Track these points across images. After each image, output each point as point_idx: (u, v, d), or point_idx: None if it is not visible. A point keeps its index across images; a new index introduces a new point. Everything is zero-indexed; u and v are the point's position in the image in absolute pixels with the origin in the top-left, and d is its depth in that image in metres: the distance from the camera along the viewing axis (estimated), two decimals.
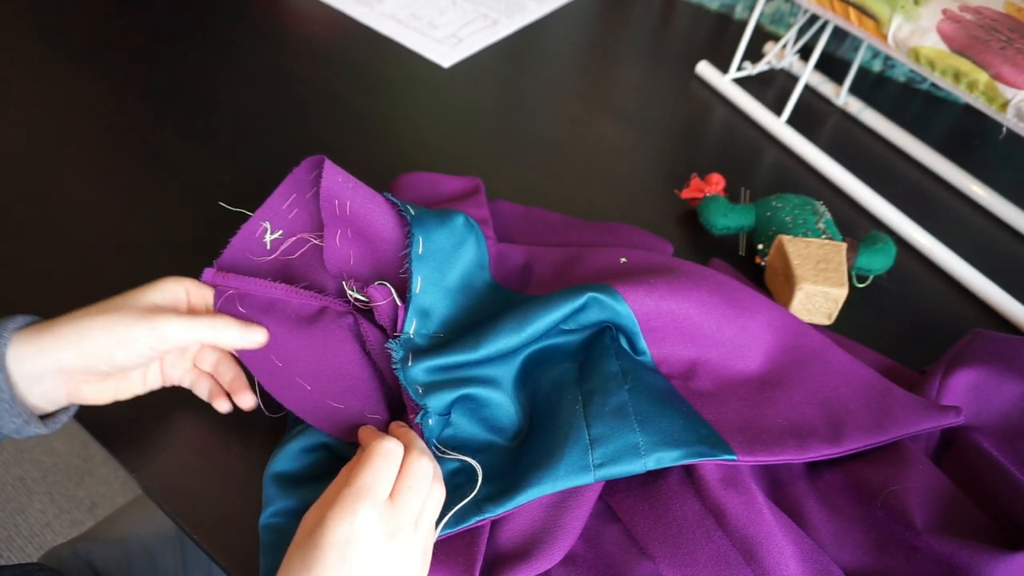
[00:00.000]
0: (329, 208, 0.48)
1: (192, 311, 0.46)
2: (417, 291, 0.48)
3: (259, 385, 0.47)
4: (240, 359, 0.47)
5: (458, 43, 0.87)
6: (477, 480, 0.43)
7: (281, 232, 0.50)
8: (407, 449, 0.41)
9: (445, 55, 0.85)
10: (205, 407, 0.50)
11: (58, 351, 0.41)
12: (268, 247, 0.49)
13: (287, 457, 0.46)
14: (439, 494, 0.41)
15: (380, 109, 0.77)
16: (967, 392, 0.49)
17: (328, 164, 0.48)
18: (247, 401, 0.47)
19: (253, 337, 0.45)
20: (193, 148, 0.71)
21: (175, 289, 0.45)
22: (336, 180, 0.48)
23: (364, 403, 0.46)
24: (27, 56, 0.81)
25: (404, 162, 0.70)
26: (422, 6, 0.93)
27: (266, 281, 0.48)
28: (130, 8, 0.90)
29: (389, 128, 0.75)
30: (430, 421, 0.44)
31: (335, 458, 0.46)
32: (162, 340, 0.43)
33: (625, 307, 0.48)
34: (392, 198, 0.50)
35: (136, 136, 0.72)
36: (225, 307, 0.47)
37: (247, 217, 0.50)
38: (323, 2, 0.92)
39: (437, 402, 0.45)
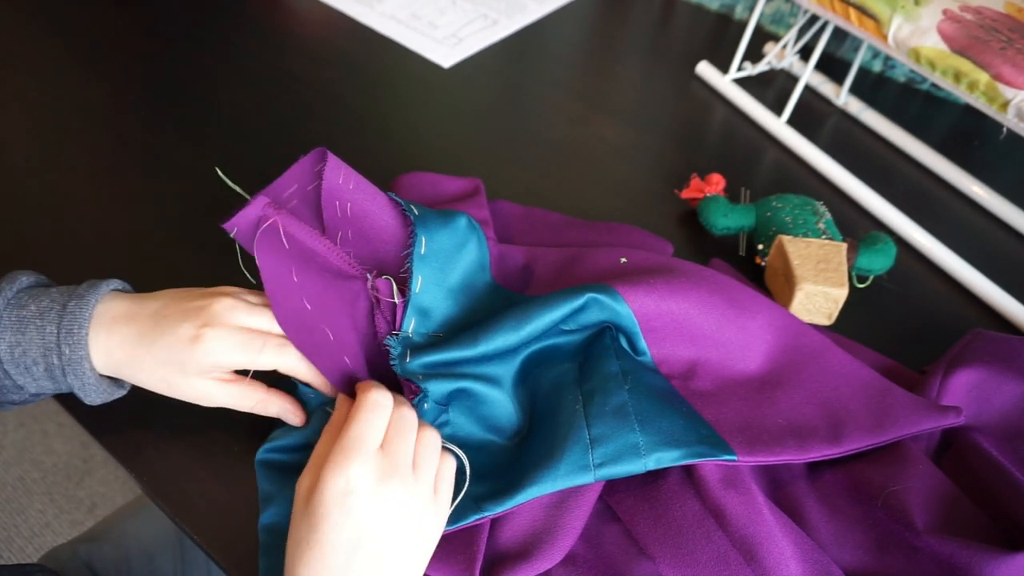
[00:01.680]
0: (331, 209, 0.48)
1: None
2: (417, 290, 0.48)
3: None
4: (267, 290, 0.45)
5: (458, 43, 0.87)
6: (466, 474, 0.43)
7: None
8: (395, 410, 0.42)
9: (445, 55, 0.85)
10: (205, 408, 0.50)
11: (123, 376, 0.44)
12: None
13: (279, 448, 0.47)
14: (432, 440, 0.41)
15: (380, 109, 0.77)
16: (967, 392, 0.49)
17: (331, 162, 0.48)
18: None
19: (291, 419, 0.46)
20: (193, 148, 0.71)
21: (211, 362, 0.43)
22: (337, 181, 0.48)
23: (370, 372, 0.47)
24: (27, 56, 0.81)
25: (404, 162, 0.70)
26: (422, 6, 0.93)
27: (313, 231, 0.47)
28: (130, 8, 0.90)
29: (389, 128, 0.75)
30: (425, 405, 0.44)
31: None
32: (210, 401, 0.44)
33: (625, 307, 0.48)
34: (396, 197, 0.50)
35: (136, 136, 0.72)
36: (264, 242, 0.45)
37: (242, 198, 0.48)
38: (323, 2, 0.92)
39: (436, 388, 0.45)
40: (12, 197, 0.66)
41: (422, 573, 0.40)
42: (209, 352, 0.42)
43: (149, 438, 0.50)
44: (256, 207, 0.46)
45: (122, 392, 0.46)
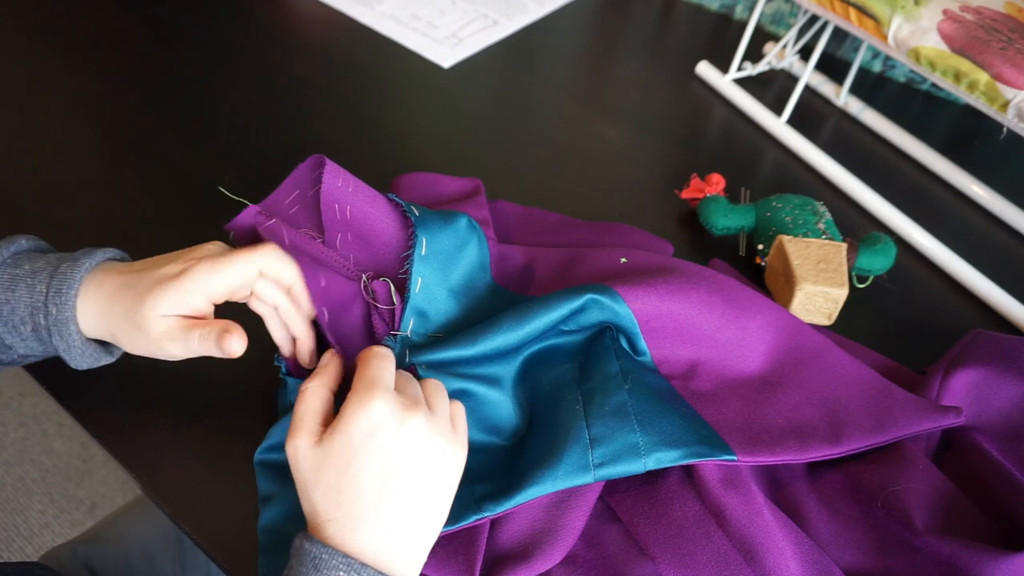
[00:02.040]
0: (330, 212, 0.48)
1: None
2: (416, 291, 0.48)
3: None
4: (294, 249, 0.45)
5: (458, 43, 0.87)
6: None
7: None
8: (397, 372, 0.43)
9: (445, 55, 0.85)
10: (205, 408, 0.50)
11: (107, 335, 0.44)
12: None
13: (276, 446, 0.46)
14: (438, 384, 0.43)
15: (380, 109, 0.77)
16: (967, 392, 0.49)
17: (329, 166, 0.48)
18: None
19: (228, 348, 0.42)
20: (193, 148, 0.71)
21: (193, 288, 0.43)
22: (336, 184, 0.48)
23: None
24: (27, 56, 0.81)
25: (404, 162, 0.70)
26: (422, 6, 0.93)
27: (307, 235, 0.48)
28: (130, 8, 0.90)
29: (389, 128, 0.75)
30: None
31: None
32: (180, 357, 0.43)
33: (625, 308, 0.48)
34: (396, 199, 0.50)
35: (136, 136, 0.72)
36: (271, 233, 0.46)
37: (245, 206, 0.49)
38: (323, 2, 0.92)
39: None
40: (12, 197, 0.66)
41: (448, 507, 0.40)
42: (194, 279, 0.42)
43: (149, 438, 0.50)
44: (248, 216, 0.47)
45: (109, 359, 0.46)
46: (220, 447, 0.49)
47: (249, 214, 0.47)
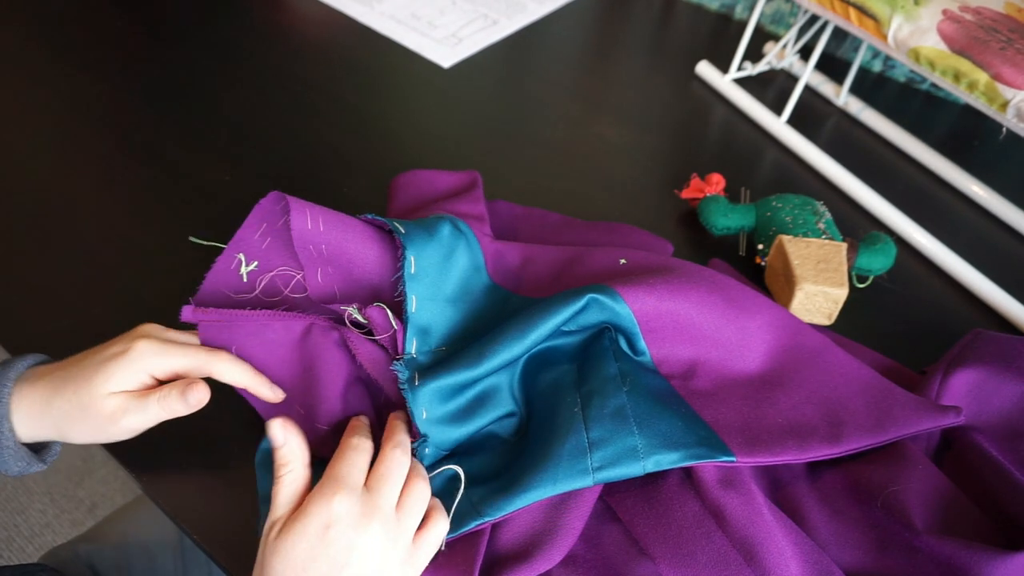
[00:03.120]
0: (305, 252, 0.47)
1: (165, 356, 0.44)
2: (413, 311, 0.47)
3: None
4: (240, 392, 0.46)
5: (458, 43, 0.87)
6: (460, 487, 0.43)
7: (256, 264, 0.49)
8: (385, 440, 0.42)
9: (445, 55, 0.85)
10: (205, 408, 0.50)
11: (45, 434, 0.43)
12: (245, 279, 0.48)
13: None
14: (420, 491, 0.41)
15: (380, 109, 0.77)
16: (967, 392, 0.49)
17: (293, 206, 0.46)
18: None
19: (194, 399, 0.43)
20: (193, 148, 0.71)
21: (142, 364, 0.43)
22: (305, 226, 0.47)
23: (352, 411, 0.47)
24: (27, 56, 0.81)
25: (404, 162, 0.70)
26: (422, 6, 0.93)
27: (246, 311, 0.46)
28: (130, 8, 0.90)
29: (389, 128, 0.75)
30: (427, 450, 0.44)
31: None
32: (134, 431, 0.44)
33: (624, 307, 0.48)
34: (378, 218, 0.49)
35: (136, 136, 0.72)
36: (208, 337, 0.46)
37: (220, 250, 0.49)
38: (323, 2, 0.92)
39: (441, 437, 0.45)
40: (11, 197, 0.66)
41: None
42: (142, 353, 0.42)
43: (149, 438, 0.50)
44: (185, 316, 0.46)
45: (41, 466, 0.45)
46: (220, 447, 0.49)
47: (187, 313, 0.46)
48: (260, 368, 0.46)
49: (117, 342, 0.43)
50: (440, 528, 0.41)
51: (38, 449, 0.45)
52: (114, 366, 0.42)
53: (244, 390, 0.46)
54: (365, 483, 0.39)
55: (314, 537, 0.37)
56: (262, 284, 0.48)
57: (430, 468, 0.44)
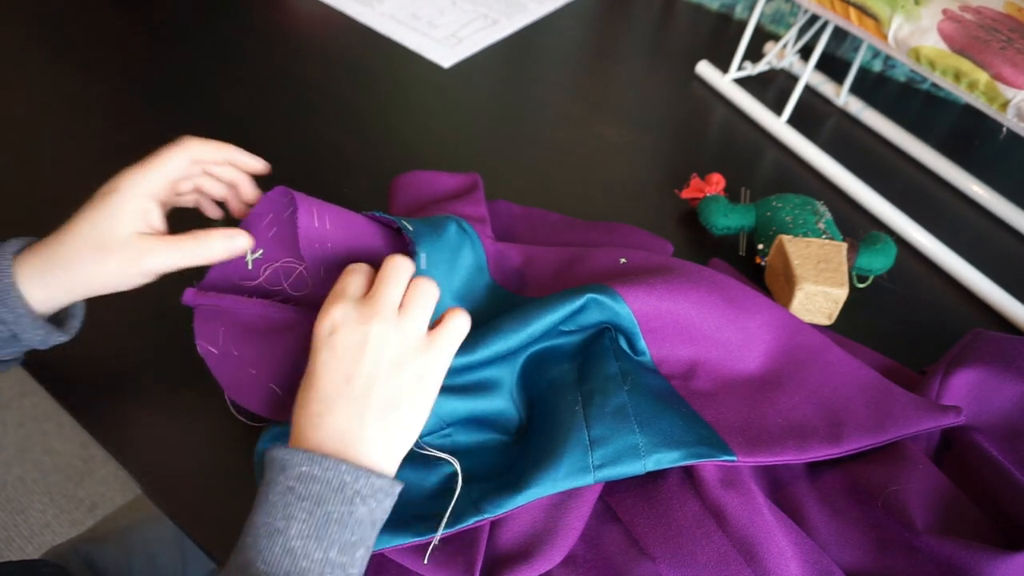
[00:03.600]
0: (310, 250, 0.47)
1: (166, 205, 0.46)
2: None
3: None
4: (215, 374, 0.46)
5: (458, 43, 0.87)
6: (458, 482, 0.43)
7: (262, 252, 0.49)
8: (385, 260, 0.43)
9: (445, 55, 0.85)
10: (206, 407, 0.50)
11: (58, 293, 0.43)
12: (250, 266, 0.48)
13: (279, 436, 0.46)
14: (425, 287, 0.42)
15: (380, 109, 0.77)
16: (967, 392, 0.49)
17: (300, 202, 0.46)
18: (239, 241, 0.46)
19: (238, 244, 0.45)
20: None
21: (144, 204, 0.44)
22: (312, 224, 0.47)
23: None
24: (27, 56, 0.81)
25: (404, 162, 0.70)
26: (422, 6, 0.93)
27: (245, 297, 0.47)
28: (130, 8, 0.90)
29: (389, 128, 0.75)
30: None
31: None
32: (153, 275, 0.44)
33: (624, 308, 0.48)
34: (386, 216, 0.49)
35: (136, 136, 0.72)
36: (203, 325, 0.46)
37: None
38: (323, 2, 0.92)
39: (441, 406, 0.45)
40: (11, 197, 0.66)
41: (421, 418, 0.41)
42: (139, 175, 0.43)
43: (149, 438, 0.50)
44: (187, 299, 0.46)
45: (62, 336, 0.45)
46: (220, 447, 0.49)
47: (188, 296, 0.46)
48: (246, 354, 0.46)
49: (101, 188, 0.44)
50: (457, 321, 0.42)
51: (59, 323, 0.46)
52: (143, 170, 0.44)
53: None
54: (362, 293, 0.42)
55: (325, 350, 0.39)
56: (266, 273, 0.48)
57: (428, 462, 0.45)
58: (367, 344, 0.39)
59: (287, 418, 0.43)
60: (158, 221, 0.45)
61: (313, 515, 0.36)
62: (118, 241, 0.42)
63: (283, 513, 0.36)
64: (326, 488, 0.36)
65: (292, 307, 0.47)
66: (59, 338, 0.45)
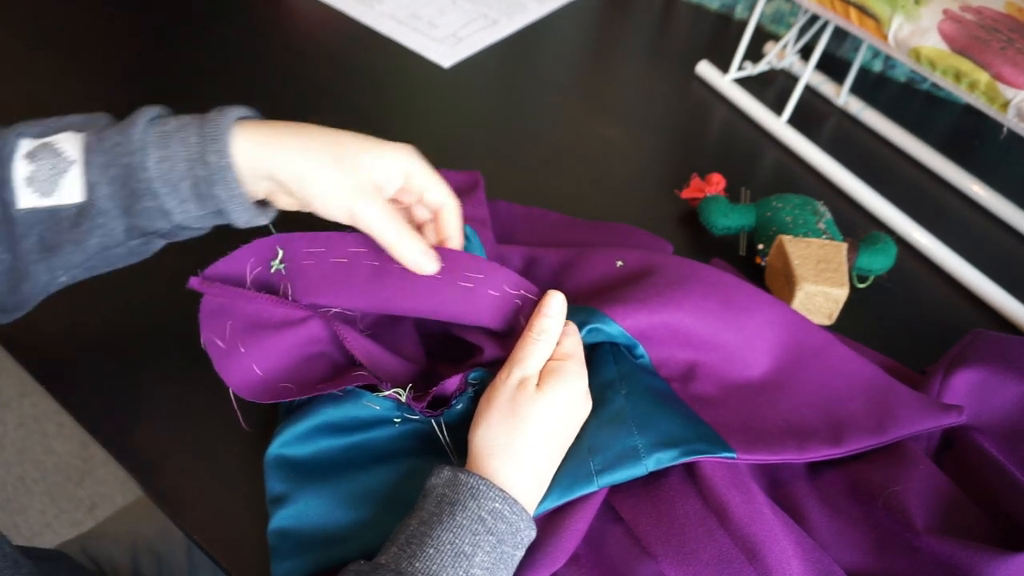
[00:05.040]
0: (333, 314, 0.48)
1: (406, 192, 0.48)
2: None
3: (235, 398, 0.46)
4: (217, 368, 0.46)
5: (458, 43, 0.87)
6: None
7: (285, 267, 0.48)
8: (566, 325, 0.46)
9: (445, 55, 0.85)
10: (206, 408, 0.50)
11: (272, 170, 0.43)
12: (272, 271, 0.48)
13: (291, 440, 0.46)
14: (539, 345, 0.44)
15: (380, 109, 0.77)
16: (968, 392, 0.49)
17: (310, 296, 0.47)
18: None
19: (428, 266, 0.45)
20: None
21: (399, 168, 0.46)
22: (320, 299, 0.47)
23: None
24: (26, 56, 0.81)
25: None
26: (422, 6, 0.93)
27: (251, 291, 0.46)
28: (130, 8, 0.90)
29: (389, 128, 0.75)
30: (459, 406, 0.46)
31: (347, 447, 0.46)
32: (352, 220, 0.44)
33: (616, 327, 0.48)
34: None
35: None
36: (209, 318, 0.46)
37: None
38: (323, 2, 0.92)
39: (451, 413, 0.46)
40: None
41: None
42: (412, 153, 0.47)
43: (149, 438, 0.50)
44: (193, 284, 0.46)
45: (264, 219, 0.45)
46: (220, 447, 0.49)
47: (195, 282, 0.46)
48: (253, 349, 0.46)
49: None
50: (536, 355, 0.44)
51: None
52: (383, 146, 0.46)
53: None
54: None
55: (548, 395, 0.42)
56: (283, 290, 0.48)
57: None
58: (580, 404, 0.43)
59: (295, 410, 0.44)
60: (387, 186, 0.46)
61: (496, 550, 0.38)
62: (356, 180, 0.43)
63: (471, 540, 0.38)
64: (508, 530, 0.39)
65: (299, 305, 0.47)
66: (261, 220, 0.45)
